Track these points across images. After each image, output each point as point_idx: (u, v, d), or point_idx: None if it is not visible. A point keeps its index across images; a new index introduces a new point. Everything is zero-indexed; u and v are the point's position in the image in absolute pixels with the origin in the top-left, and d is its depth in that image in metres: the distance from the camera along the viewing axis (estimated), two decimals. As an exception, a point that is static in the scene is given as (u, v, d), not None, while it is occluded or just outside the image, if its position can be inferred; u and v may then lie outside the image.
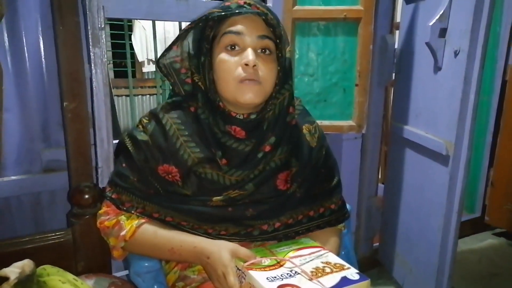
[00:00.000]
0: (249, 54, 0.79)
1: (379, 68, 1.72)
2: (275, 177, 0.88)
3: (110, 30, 3.88)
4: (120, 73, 4.38)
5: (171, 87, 0.94)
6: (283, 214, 0.89)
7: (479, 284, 1.86)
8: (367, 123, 1.66)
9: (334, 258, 0.79)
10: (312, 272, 0.73)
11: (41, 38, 1.20)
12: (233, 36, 0.79)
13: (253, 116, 0.84)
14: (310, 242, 0.88)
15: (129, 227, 0.85)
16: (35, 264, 0.76)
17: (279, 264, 0.76)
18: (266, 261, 0.77)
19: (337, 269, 0.74)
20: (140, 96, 4.27)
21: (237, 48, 0.81)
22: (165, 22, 3.75)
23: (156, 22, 1.95)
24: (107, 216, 0.89)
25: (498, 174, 2.25)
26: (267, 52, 0.82)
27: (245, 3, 0.81)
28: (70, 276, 0.83)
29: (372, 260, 1.95)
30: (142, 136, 0.88)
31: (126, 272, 1.17)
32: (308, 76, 1.55)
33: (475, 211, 2.38)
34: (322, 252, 0.82)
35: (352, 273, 0.73)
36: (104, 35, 1.12)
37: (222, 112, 0.85)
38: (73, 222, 1.05)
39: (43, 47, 1.21)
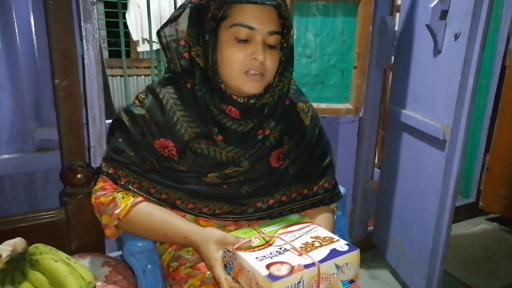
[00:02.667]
0: (259, 50, 0.80)
1: (378, 50, 1.69)
2: (268, 155, 0.89)
3: (104, 8, 3.79)
4: (114, 53, 4.30)
5: (166, 65, 0.92)
6: (276, 192, 0.91)
7: (472, 267, 1.88)
8: (365, 107, 1.64)
9: (323, 232, 0.80)
10: (301, 247, 0.73)
11: (31, 13, 1.17)
12: (245, 29, 0.79)
13: (252, 101, 0.86)
14: (299, 219, 0.89)
15: (124, 206, 0.84)
16: (28, 243, 0.75)
17: (268, 243, 0.76)
18: (256, 241, 0.77)
19: (327, 242, 0.75)
20: (134, 76, 4.21)
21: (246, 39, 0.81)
22: (161, -1, 3.67)
23: (151, -1, 1.91)
24: (103, 191, 0.88)
25: (494, 159, 2.25)
26: (274, 44, 0.83)
27: None
28: (63, 255, 0.82)
29: (366, 243, 1.97)
30: (139, 111, 0.87)
31: (120, 252, 1.17)
32: (305, 58, 1.52)
33: (469, 196, 2.40)
34: (311, 227, 0.83)
35: (341, 244, 0.74)
36: (96, 10, 1.09)
37: (223, 93, 0.85)
38: (66, 202, 1.05)
39: (34, 22, 1.18)
